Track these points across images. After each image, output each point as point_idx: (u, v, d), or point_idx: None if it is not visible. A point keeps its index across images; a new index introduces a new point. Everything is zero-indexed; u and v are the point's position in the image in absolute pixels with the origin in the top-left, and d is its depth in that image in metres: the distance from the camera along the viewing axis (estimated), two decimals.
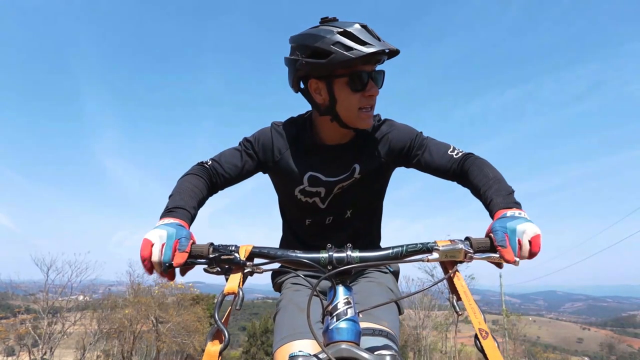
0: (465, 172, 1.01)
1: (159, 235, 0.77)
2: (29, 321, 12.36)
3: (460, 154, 1.05)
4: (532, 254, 0.75)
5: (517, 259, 0.73)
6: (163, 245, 0.76)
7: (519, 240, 0.74)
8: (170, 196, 0.94)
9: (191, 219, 0.90)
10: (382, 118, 1.11)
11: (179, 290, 16.90)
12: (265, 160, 1.09)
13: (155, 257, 0.75)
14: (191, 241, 0.78)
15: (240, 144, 1.11)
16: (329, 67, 0.91)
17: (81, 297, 14.32)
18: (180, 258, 0.75)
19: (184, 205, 0.89)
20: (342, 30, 0.90)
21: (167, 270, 0.76)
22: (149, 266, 0.76)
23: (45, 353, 11.64)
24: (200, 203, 0.99)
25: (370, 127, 1.04)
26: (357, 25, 0.91)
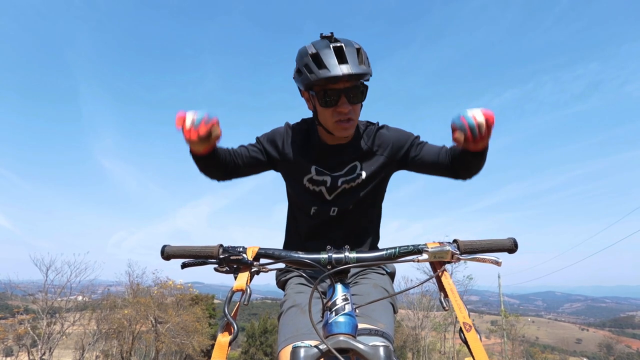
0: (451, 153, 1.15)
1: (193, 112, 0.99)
2: (27, 321, 12.36)
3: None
4: (488, 117, 0.91)
5: (500, 260, 0.80)
6: (197, 116, 0.97)
7: (472, 117, 0.91)
8: None
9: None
10: (381, 124, 1.23)
11: (178, 291, 16.92)
12: (275, 152, 1.22)
13: (191, 118, 0.97)
14: (217, 118, 1.00)
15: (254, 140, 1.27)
16: (303, 84, 1.06)
17: (80, 298, 14.32)
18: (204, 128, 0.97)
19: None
20: (314, 52, 1.02)
21: (197, 127, 0.96)
22: (183, 127, 0.97)
23: (44, 353, 11.65)
24: (225, 151, 1.18)
25: (349, 135, 1.15)
26: (329, 51, 1.01)
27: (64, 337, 12.78)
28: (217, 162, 1.16)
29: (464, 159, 1.08)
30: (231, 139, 1.30)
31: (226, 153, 1.19)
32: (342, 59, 1.00)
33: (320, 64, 1.00)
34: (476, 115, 0.91)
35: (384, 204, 1.32)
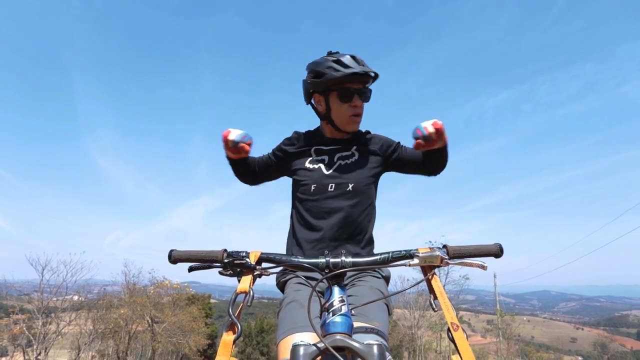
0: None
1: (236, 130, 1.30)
2: (23, 321, 12.30)
3: None
4: (437, 127, 1.14)
5: (486, 264, 0.86)
6: (238, 134, 1.28)
7: (425, 128, 1.15)
8: None
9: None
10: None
11: (175, 290, 16.90)
12: (286, 149, 1.44)
13: (231, 136, 1.27)
14: (252, 140, 1.30)
15: None
16: (325, 84, 1.29)
17: (76, 297, 14.25)
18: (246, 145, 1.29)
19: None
20: (335, 59, 1.28)
21: (236, 145, 1.28)
22: (226, 141, 1.28)
23: (39, 353, 11.62)
24: (251, 161, 1.47)
25: (357, 130, 1.39)
26: (347, 56, 1.29)
27: (60, 337, 12.72)
28: (245, 168, 1.46)
29: (430, 156, 1.32)
30: None
31: (253, 161, 1.48)
32: (359, 63, 1.29)
33: (344, 65, 1.27)
34: (427, 127, 1.15)
35: (379, 208, 1.40)
